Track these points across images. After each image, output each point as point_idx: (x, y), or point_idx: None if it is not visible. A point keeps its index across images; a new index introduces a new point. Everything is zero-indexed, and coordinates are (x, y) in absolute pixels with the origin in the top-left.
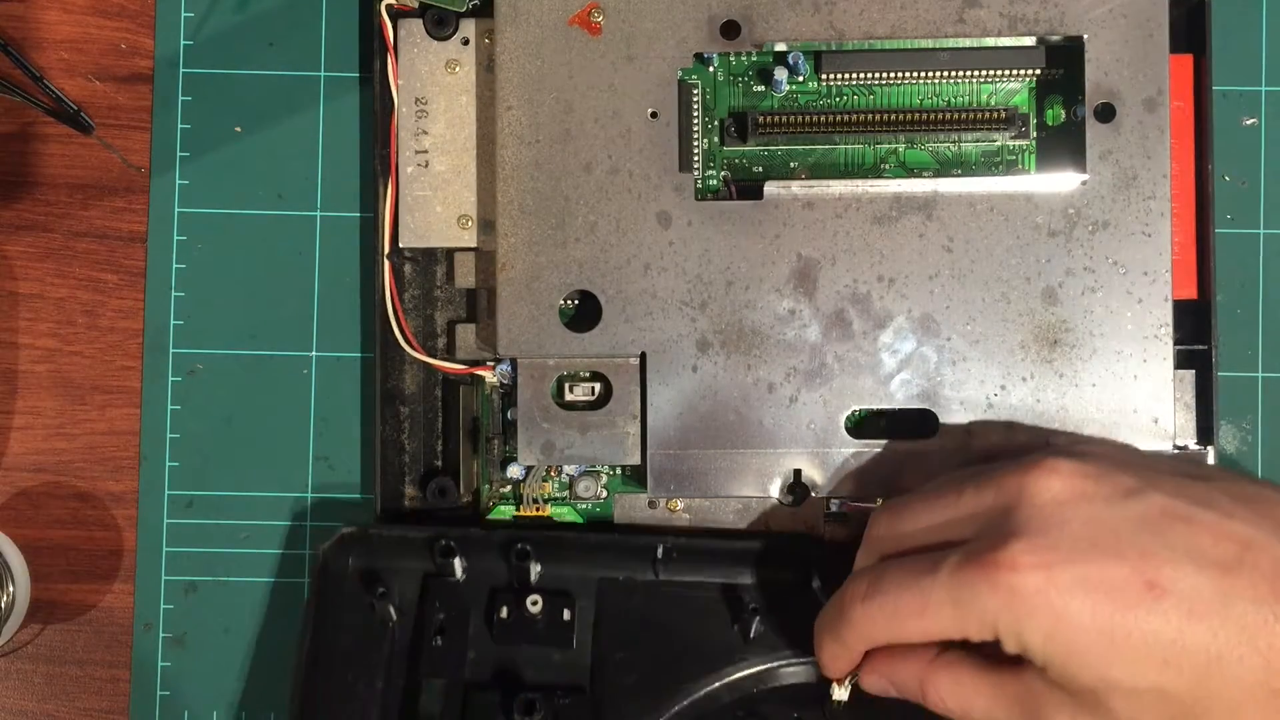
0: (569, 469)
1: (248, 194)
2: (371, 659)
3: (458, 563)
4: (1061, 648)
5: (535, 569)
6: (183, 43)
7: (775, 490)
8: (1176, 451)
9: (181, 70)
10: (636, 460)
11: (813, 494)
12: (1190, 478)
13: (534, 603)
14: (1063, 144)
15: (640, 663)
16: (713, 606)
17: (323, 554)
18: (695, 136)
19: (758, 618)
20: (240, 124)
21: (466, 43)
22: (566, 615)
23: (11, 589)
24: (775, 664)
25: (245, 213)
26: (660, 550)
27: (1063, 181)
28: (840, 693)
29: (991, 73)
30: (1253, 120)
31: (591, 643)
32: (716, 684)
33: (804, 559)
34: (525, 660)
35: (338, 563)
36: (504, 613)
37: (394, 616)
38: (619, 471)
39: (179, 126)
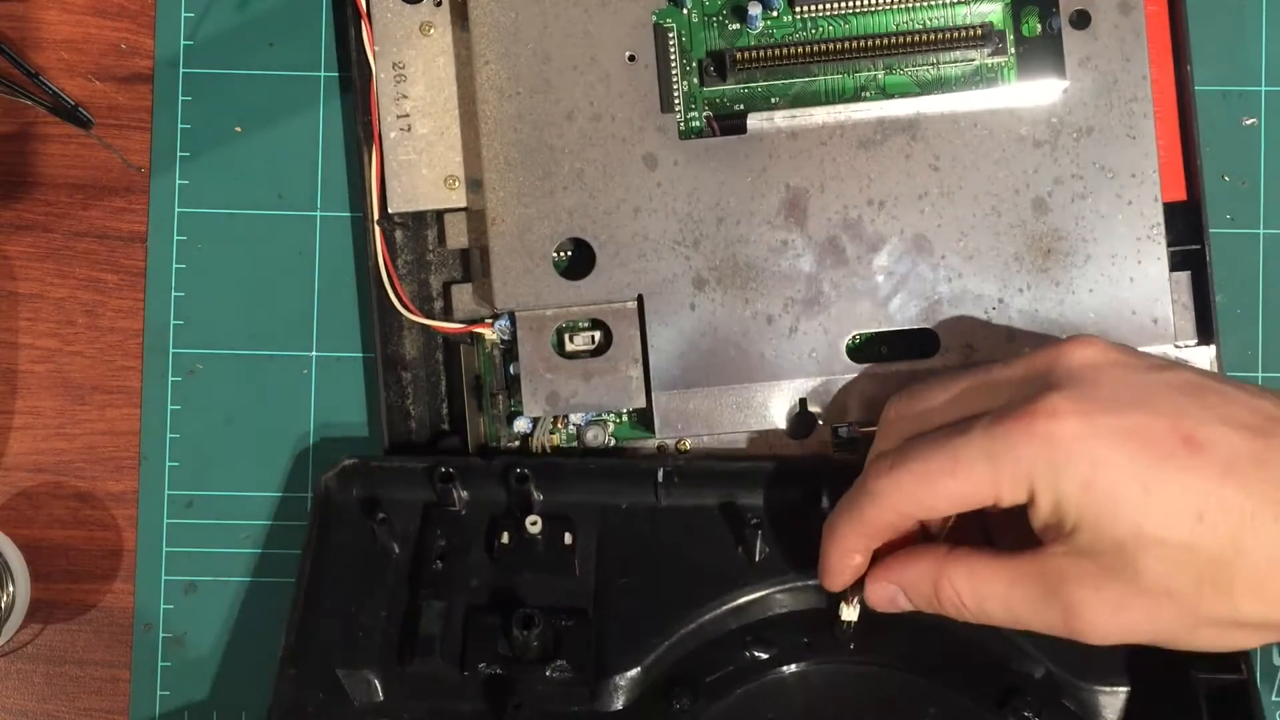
0: (575, 418)
1: (248, 194)
2: (373, 586)
3: (457, 492)
4: (1098, 496)
5: (537, 498)
6: (183, 43)
7: (782, 422)
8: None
9: (181, 70)
10: (642, 403)
11: (820, 422)
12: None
13: (533, 523)
14: (1041, 56)
15: (643, 588)
16: (716, 530)
17: (325, 483)
18: (674, 78)
19: (760, 538)
20: (240, 124)
21: (439, 3)
22: (568, 539)
23: (11, 589)
24: (782, 588)
25: (245, 213)
26: (661, 474)
27: (1044, 91)
28: (849, 612)
29: None
30: (1252, 120)
31: (594, 568)
32: (721, 609)
33: (810, 478)
34: (527, 585)
35: (340, 493)
36: (504, 538)
37: (395, 544)
38: (625, 417)
39: (179, 126)
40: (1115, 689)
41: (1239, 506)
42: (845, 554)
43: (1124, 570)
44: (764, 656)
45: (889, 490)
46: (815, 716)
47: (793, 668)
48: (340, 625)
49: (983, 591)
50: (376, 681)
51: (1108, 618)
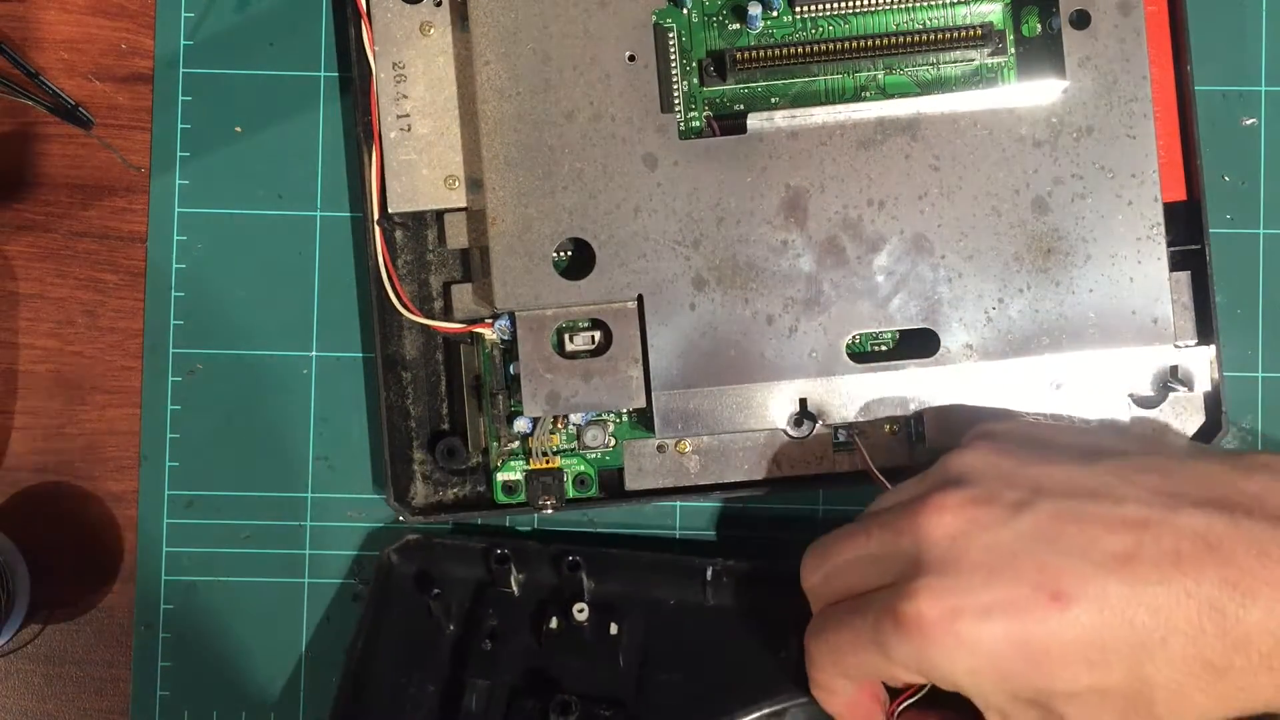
0: (575, 419)
1: (248, 194)
2: (424, 660)
3: (513, 575)
4: (989, 677)
5: (588, 584)
6: (183, 43)
7: (782, 422)
8: (1086, 422)
9: (181, 70)
10: (642, 403)
11: (820, 423)
12: (1087, 459)
13: (580, 610)
14: (1041, 56)
15: (685, 684)
16: (761, 633)
17: (387, 555)
18: (674, 78)
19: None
20: (240, 124)
21: (439, 3)
22: (614, 630)
23: (11, 589)
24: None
25: (245, 213)
26: (710, 572)
27: (1044, 91)
28: None
29: None
30: (1252, 120)
31: (638, 661)
32: (761, 713)
33: None
34: (571, 672)
35: (401, 566)
36: (553, 623)
37: (448, 620)
38: (625, 417)
39: (179, 126)
40: None
41: (1125, 641)
42: (825, 708)
43: (1051, 714)
44: None
45: (814, 658)
46: None
47: None
48: (389, 695)
49: None
50: None
51: None
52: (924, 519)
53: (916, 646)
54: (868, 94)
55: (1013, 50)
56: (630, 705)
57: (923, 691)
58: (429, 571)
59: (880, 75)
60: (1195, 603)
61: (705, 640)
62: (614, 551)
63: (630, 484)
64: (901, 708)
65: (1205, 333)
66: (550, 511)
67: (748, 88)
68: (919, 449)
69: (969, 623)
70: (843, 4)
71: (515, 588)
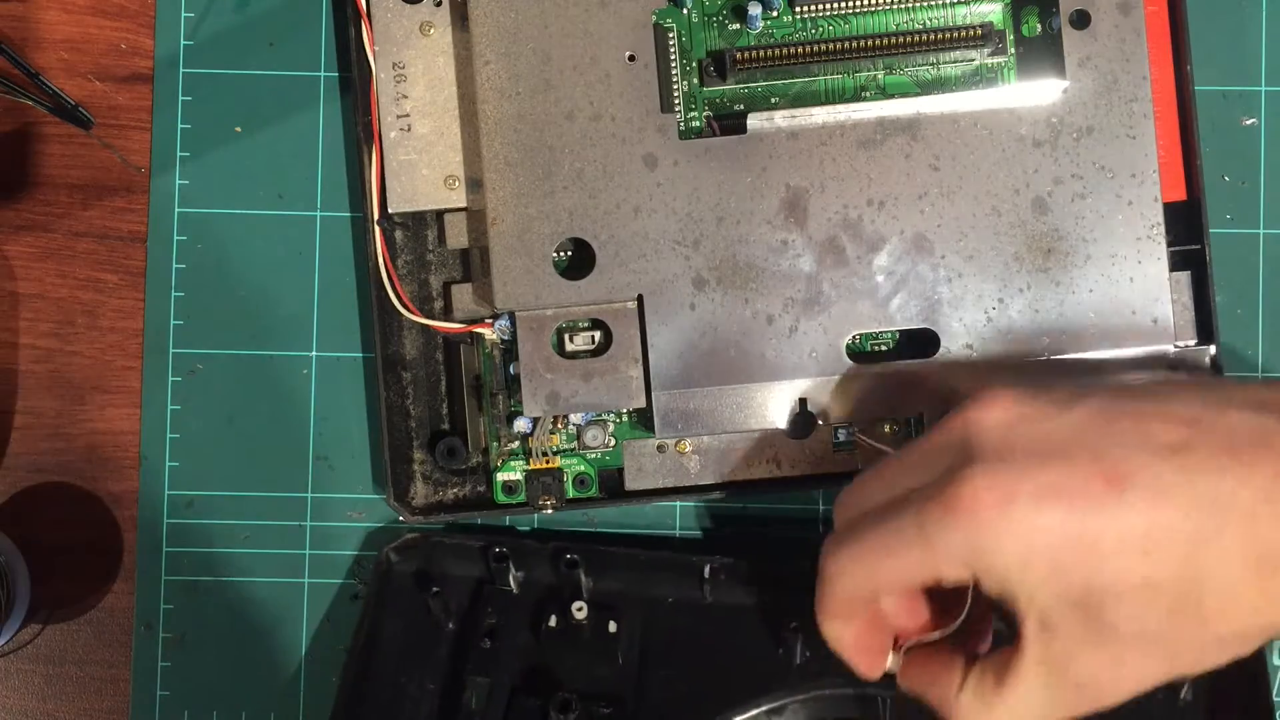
0: (575, 418)
1: (248, 194)
2: (423, 659)
3: (511, 573)
4: (1040, 567)
5: (586, 583)
6: (183, 43)
7: (782, 422)
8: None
9: (181, 70)
10: (641, 403)
11: (819, 423)
12: (1127, 382)
13: (579, 609)
14: (1040, 56)
15: (684, 682)
16: (759, 630)
17: (386, 554)
18: (674, 78)
19: (801, 642)
20: (240, 124)
21: (439, 3)
22: (613, 628)
23: (11, 589)
24: (821, 693)
25: (245, 213)
26: (708, 569)
27: (1044, 91)
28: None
29: None
30: (1252, 120)
31: (637, 658)
32: (759, 710)
33: None
34: (570, 670)
35: (400, 564)
36: (552, 621)
37: (447, 619)
38: (625, 417)
39: (179, 126)
40: None
41: (1180, 530)
42: (840, 641)
43: (1099, 627)
44: None
45: (836, 573)
46: None
47: None
48: (390, 694)
49: (1000, 714)
50: None
51: (1113, 678)
52: (972, 413)
53: (967, 532)
54: (868, 94)
55: (1013, 50)
56: (629, 703)
57: (937, 635)
58: (428, 570)
59: (880, 75)
60: (1251, 493)
61: (704, 638)
62: (612, 550)
63: (630, 484)
64: (910, 644)
65: (1205, 333)
66: (550, 511)
67: (748, 88)
68: None
69: (1024, 506)
70: (843, 4)
71: (514, 585)
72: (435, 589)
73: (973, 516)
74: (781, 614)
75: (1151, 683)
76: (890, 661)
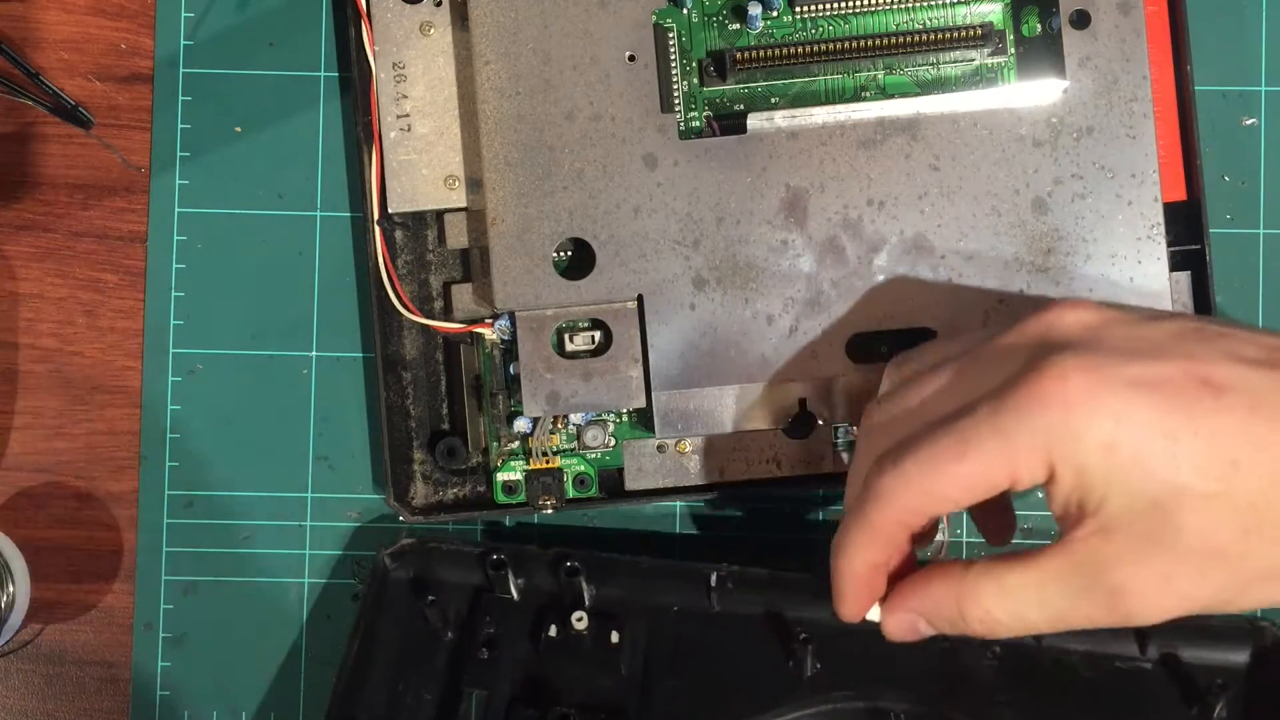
0: (575, 419)
1: (248, 194)
2: (420, 667)
3: (511, 580)
4: (1124, 457)
5: (588, 591)
6: (183, 43)
7: (782, 422)
8: None
9: (181, 70)
10: (641, 403)
11: (819, 422)
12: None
13: (579, 619)
14: (1040, 56)
15: (689, 693)
16: (767, 641)
17: (381, 560)
18: (674, 78)
19: (811, 652)
20: (240, 124)
21: (439, 3)
22: (615, 638)
23: (11, 589)
24: (831, 706)
25: (245, 213)
26: (714, 578)
27: (1044, 91)
28: (873, 613)
29: None
30: (1252, 120)
31: (640, 670)
32: None
33: None
34: (571, 681)
35: (396, 570)
36: (552, 631)
37: (444, 626)
38: (625, 417)
39: (179, 126)
40: None
41: (1273, 446)
42: (857, 573)
43: (1164, 535)
44: None
45: (895, 487)
46: None
47: None
48: (385, 702)
49: (1015, 600)
50: None
51: (1156, 592)
52: (1052, 313)
53: (1056, 416)
54: (868, 94)
55: (1013, 50)
56: (632, 715)
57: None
58: (424, 576)
59: (880, 75)
60: None
61: (710, 648)
62: (615, 557)
63: (630, 484)
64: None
65: None
66: (550, 511)
67: (748, 88)
68: None
69: (1117, 393)
70: (843, 4)
71: (514, 593)
72: (431, 598)
73: (1061, 400)
74: (791, 624)
75: (1189, 608)
76: (873, 611)
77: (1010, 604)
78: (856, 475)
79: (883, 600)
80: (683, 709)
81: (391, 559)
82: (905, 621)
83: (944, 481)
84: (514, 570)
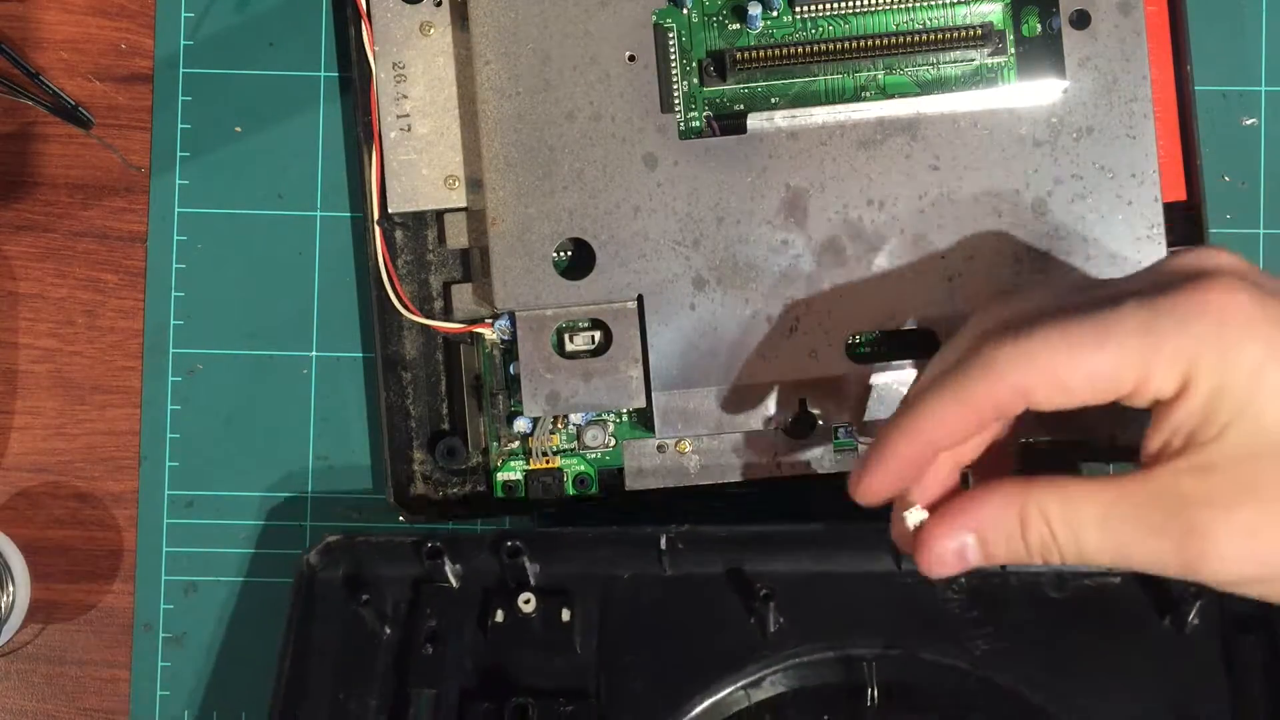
0: (575, 419)
1: (248, 194)
2: (362, 672)
3: (449, 567)
4: (1268, 388)
5: (533, 570)
6: (183, 43)
7: (783, 422)
8: None
9: (181, 70)
10: (641, 403)
11: (819, 423)
12: None
13: (526, 601)
14: (1041, 56)
15: (651, 665)
16: (727, 600)
17: (305, 561)
18: (674, 78)
19: (773, 608)
20: (240, 124)
21: (439, 3)
22: (566, 616)
23: (11, 589)
24: (799, 661)
25: (245, 213)
26: (664, 541)
27: (1044, 91)
28: (916, 515)
29: None
30: (1252, 120)
31: (596, 646)
32: (736, 685)
33: (824, 544)
34: (524, 667)
35: (324, 570)
36: (498, 616)
37: (383, 625)
38: (625, 417)
39: (179, 126)
40: None
41: None
42: (912, 447)
43: (1270, 484)
44: None
45: (1013, 359)
46: None
47: None
48: (327, 715)
49: (1079, 518)
50: None
51: (1236, 544)
52: (1208, 250)
53: (1211, 325)
54: (868, 94)
55: (1013, 50)
56: (594, 694)
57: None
58: (357, 574)
59: (880, 75)
60: None
61: (667, 615)
62: (558, 531)
63: (630, 484)
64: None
65: None
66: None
67: (748, 88)
68: None
69: (1277, 324)
70: (843, 4)
71: (454, 581)
72: (365, 596)
73: (1219, 312)
74: (750, 580)
75: (1258, 572)
76: (913, 514)
77: (1073, 521)
78: (952, 352)
79: (901, 506)
80: (646, 683)
81: (319, 556)
82: (955, 543)
83: (1071, 367)
84: (452, 557)
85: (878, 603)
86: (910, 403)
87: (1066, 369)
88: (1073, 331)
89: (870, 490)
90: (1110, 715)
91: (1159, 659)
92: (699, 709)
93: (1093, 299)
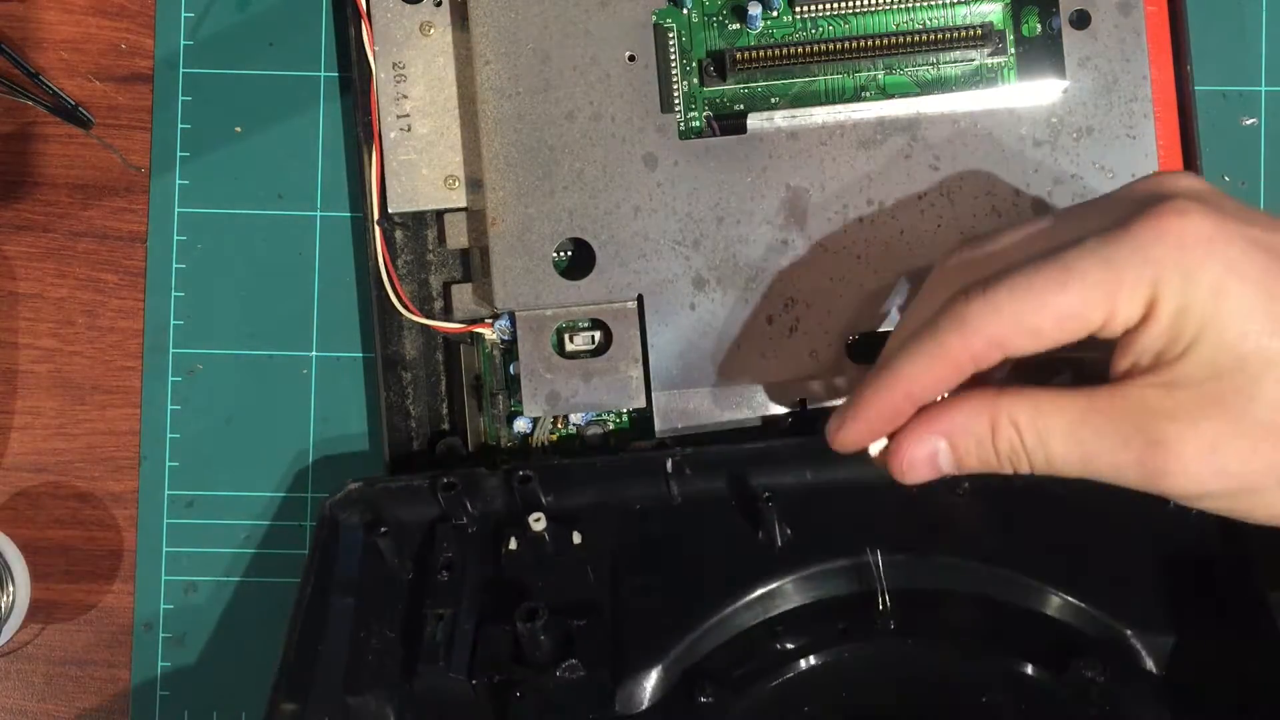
0: (575, 418)
1: (247, 194)
2: (381, 609)
3: (463, 502)
4: (1229, 305)
5: (544, 501)
6: (183, 43)
7: (782, 422)
8: None
9: (181, 70)
10: (642, 403)
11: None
12: None
13: (536, 520)
14: (1041, 56)
15: (662, 585)
16: (734, 518)
17: (328, 507)
18: (674, 78)
19: (780, 522)
20: (240, 124)
21: (440, 3)
22: (577, 538)
23: (11, 589)
24: (809, 572)
25: (245, 213)
26: (670, 464)
27: (1044, 91)
28: (876, 447)
29: None
30: (1252, 120)
31: (608, 569)
32: (746, 600)
33: (823, 456)
34: (538, 590)
35: (345, 517)
36: (512, 543)
37: (402, 560)
38: (625, 417)
39: (179, 126)
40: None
41: None
42: (892, 396)
43: (1234, 401)
44: (794, 647)
45: (983, 313)
46: (859, 704)
47: (828, 655)
48: (349, 652)
49: (1048, 425)
50: (389, 706)
51: (1200, 457)
52: (1168, 175)
53: (1170, 249)
54: (868, 94)
55: (1013, 50)
56: (605, 613)
57: None
58: (377, 520)
59: (880, 75)
60: None
61: (677, 538)
62: (567, 462)
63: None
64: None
65: None
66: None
67: (748, 88)
68: None
69: (1233, 243)
70: (843, 4)
71: (467, 519)
72: (384, 529)
73: (1178, 235)
74: (752, 496)
75: (1222, 484)
76: (875, 445)
77: (1042, 430)
78: (924, 306)
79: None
80: (657, 603)
81: (340, 504)
82: (925, 449)
83: (1039, 312)
84: (468, 497)
85: (883, 509)
86: (888, 358)
87: (1035, 315)
88: (1037, 277)
89: (848, 439)
90: (1121, 598)
91: (1161, 534)
92: (710, 624)
93: (1055, 241)
